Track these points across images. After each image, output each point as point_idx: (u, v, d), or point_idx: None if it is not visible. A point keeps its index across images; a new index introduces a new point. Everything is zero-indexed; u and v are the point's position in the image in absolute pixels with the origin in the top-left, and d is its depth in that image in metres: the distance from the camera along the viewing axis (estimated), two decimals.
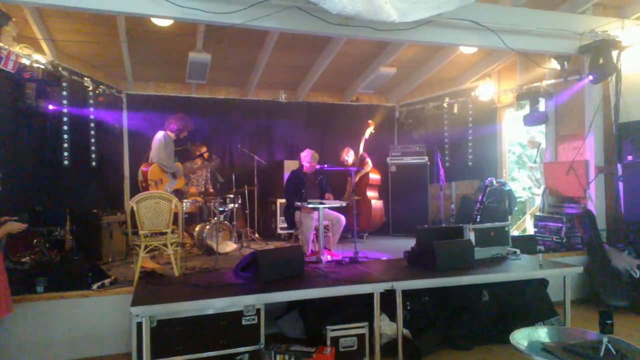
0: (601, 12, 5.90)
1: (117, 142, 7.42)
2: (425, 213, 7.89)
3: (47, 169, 5.73)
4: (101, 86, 6.56)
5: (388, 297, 3.84)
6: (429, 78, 8.06)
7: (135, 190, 6.23)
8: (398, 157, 8.15)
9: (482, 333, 4.17)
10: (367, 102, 8.97)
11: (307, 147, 6.34)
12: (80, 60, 6.65)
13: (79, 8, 4.13)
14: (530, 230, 7.20)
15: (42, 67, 5.24)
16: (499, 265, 4.51)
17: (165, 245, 4.55)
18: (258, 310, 3.66)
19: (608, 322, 2.64)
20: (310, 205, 5.20)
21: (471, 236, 4.72)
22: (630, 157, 5.62)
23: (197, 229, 6.36)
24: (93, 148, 6.46)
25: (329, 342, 3.71)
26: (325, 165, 6.04)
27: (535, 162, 7.47)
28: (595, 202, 5.86)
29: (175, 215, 4.69)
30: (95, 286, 4.10)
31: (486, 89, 7.63)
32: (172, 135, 5.71)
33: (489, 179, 6.59)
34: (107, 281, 4.22)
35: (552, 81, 6.39)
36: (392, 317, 3.88)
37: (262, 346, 3.64)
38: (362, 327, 3.81)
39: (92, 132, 6.45)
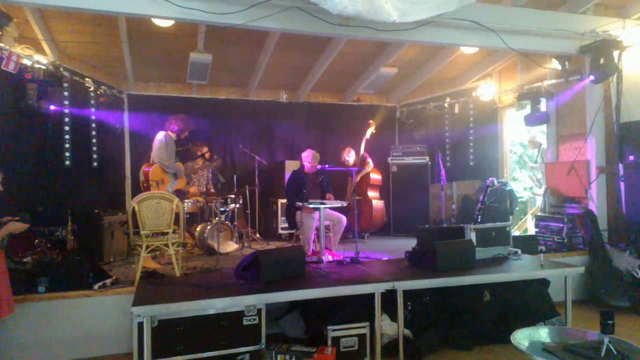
0: (602, 12, 5.89)
1: (118, 143, 7.43)
2: (427, 213, 7.89)
3: (49, 169, 5.74)
4: (102, 87, 6.57)
5: (389, 297, 3.84)
6: (430, 78, 8.06)
7: (136, 190, 6.23)
8: (399, 157, 8.15)
9: (483, 333, 4.17)
10: (368, 102, 8.97)
11: (308, 147, 6.34)
12: (82, 61, 6.66)
13: (80, 9, 4.13)
14: (532, 230, 7.20)
15: (44, 67, 5.25)
16: (500, 266, 4.52)
17: (166, 245, 4.56)
18: (259, 310, 3.67)
19: (609, 322, 2.64)
20: (311, 206, 5.20)
21: (472, 236, 4.72)
22: (631, 157, 5.61)
23: (198, 229, 6.36)
24: (94, 148, 6.49)
25: (330, 342, 3.71)
26: (326, 166, 6.04)
27: (536, 162, 7.47)
28: (596, 202, 5.86)
29: (177, 215, 4.70)
30: (96, 286, 4.10)
31: (487, 89, 7.62)
32: (173, 135, 5.71)
33: (490, 179, 6.59)
34: (108, 281, 4.23)
35: (553, 81, 6.39)
36: (393, 317, 3.88)
37: (263, 346, 3.64)
38: (363, 327, 3.82)
39: (94, 133, 6.47)
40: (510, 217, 6.77)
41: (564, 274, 4.33)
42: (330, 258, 5.10)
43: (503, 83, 7.65)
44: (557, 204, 6.42)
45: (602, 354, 2.52)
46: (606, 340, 2.57)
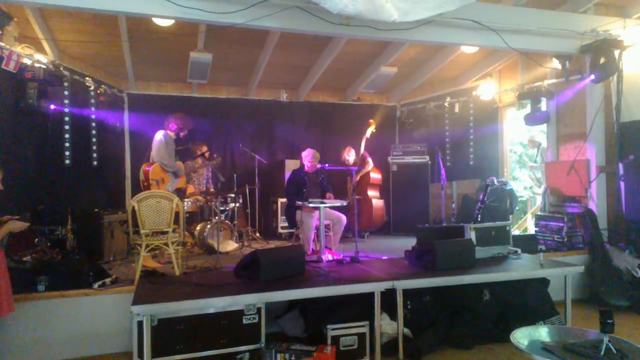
0: (603, 12, 5.89)
1: (119, 142, 7.44)
2: (426, 212, 7.89)
3: (49, 168, 5.74)
4: (102, 86, 6.57)
5: (389, 296, 3.84)
6: (430, 77, 8.06)
7: (136, 189, 6.24)
8: (399, 156, 8.15)
9: (483, 332, 4.16)
10: (368, 101, 8.97)
11: (308, 146, 6.33)
12: (82, 60, 6.66)
13: (80, 8, 4.13)
14: (531, 229, 7.19)
15: (44, 67, 5.25)
16: (500, 265, 4.51)
17: (166, 244, 4.56)
18: (259, 309, 3.67)
19: (609, 321, 2.64)
20: (311, 205, 5.20)
21: (472, 235, 4.72)
22: (631, 157, 5.61)
23: (198, 228, 6.37)
24: (94, 147, 6.49)
25: (329, 341, 3.71)
26: (326, 165, 6.04)
27: (535, 161, 7.47)
28: (596, 201, 5.86)
29: (177, 214, 4.70)
30: (96, 285, 4.10)
31: (487, 89, 7.62)
32: (172, 134, 5.72)
33: (490, 178, 6.57)
34: (108, 280, 4.23)
35: (554, 81, 6.39)
36: (393, 316, 3.88)
37: (262, 345, 3.64)
38: (363, 326, 3.81)
39: (94, 132, 6.47)
40: (510, 217, 6.78)
41: (563, 273, 4.33)
42: (330, 257, 5.10)
43: (503, 82, 7.65)
44: (557, 203, 6.42)
45: (602, 353, 2.52)
46: (606, 339, 2.57)
